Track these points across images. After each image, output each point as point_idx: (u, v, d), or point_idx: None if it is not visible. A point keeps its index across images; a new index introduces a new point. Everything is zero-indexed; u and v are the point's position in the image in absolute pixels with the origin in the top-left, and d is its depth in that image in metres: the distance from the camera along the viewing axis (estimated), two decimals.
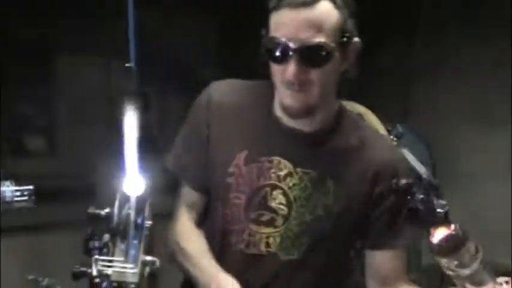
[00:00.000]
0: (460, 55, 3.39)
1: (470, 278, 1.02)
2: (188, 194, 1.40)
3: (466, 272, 1.00)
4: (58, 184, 2.93)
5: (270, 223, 1.29)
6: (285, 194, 1.28)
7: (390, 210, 1.29)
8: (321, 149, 1.29)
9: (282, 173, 1.28)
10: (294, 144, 1.29)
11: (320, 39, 1.14)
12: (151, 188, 0.91)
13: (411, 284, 1.36)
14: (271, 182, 1.28)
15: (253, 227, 1.30)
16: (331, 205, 1.29)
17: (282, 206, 1.28)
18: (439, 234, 1.00)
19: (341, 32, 1.16)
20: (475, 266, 0.99)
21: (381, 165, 1.29)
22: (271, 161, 1.28)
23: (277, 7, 1.14)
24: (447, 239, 0.99)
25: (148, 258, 0.87)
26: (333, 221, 1.29)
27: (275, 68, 1.20)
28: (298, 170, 1.28)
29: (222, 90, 1.36)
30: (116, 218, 0.86)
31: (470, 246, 1.00)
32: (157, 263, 0.89)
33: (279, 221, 1.29)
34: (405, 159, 1.25)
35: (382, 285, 1.35)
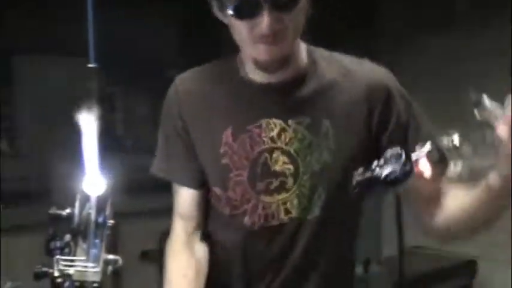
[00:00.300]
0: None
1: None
2: (182, 201, 1.35)
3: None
4: (20, 186, 2.89)
5: (282, 188, 1.22)
6: (284, 152, 1.22)
7: (400, 123, 1.23)
8: (304, 93, 1.23)
9: (274, 133, 1.22)
10: (275, 99, 1.23)
11: None
12: (113, 187, 0.91)
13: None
14: (267, 146, 1.22)
15: (266, 199, 1.23)
16: (335, 147, 1.22)
17: (286, 166, 1.22)
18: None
19: None
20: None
21: (370, 86, 1.24)
22: (259, 126, 1.23)
23: None
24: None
25: (111, 257, 0.87)
26: (342, 162, 1.22)
27: (242, 26, 1.14)
28: (290, 122, 1.22)
29: (187, 80, 1.32)
30: (76, 218, 0.86)
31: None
32: (120, 261, 0.89)
33: (289, 181, 1.22)
34: (392, 76, 1.24)
35: (430, 203, 1.21)
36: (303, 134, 1.22)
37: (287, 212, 1.23)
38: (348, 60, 1.28)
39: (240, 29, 1.15)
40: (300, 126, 1.22)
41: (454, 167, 0.90)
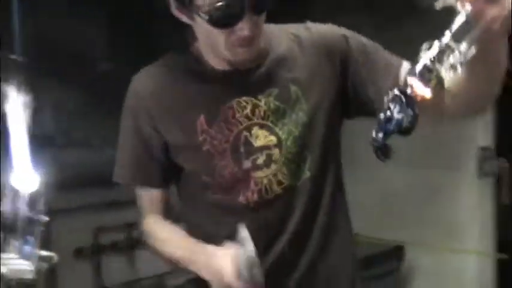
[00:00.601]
0: None
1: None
2: (146, 197, 1.34)
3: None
4: None
5: (269, 160, 1.22)
6: (263, 126, 1.22)
7: (366, 60, 1.25)
8: (267, 68, 1.24)
9: (248, 110, 1.22)
10: (241, 81, 1.24)
11: None
12: (46, 183, 0.90)
13: None
14: (244, 124, 1.22)
15: (256, 174, 1.22)
16: (307, 107, 1.24)
17: (268, 138, 1.22)
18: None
19: None
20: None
21: (327, 41, 1.26)
22: (231, 107, 1.22)
23: None
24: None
25: (45, 253, 0.86)
26: (319, 119, 1.24)
27: (218, 33, 1.13)
28: (260, 97, 1.23)
29: (144, 78, 1.29)
30: (7, 214, 0.84)
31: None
32: (55, 258, 0.88)
33: (275, 152, 1.22)
34: (336, 26, 1.27)
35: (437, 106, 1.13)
36: (275, 105, 1.23)
37: (279, 183, 1.23)
38: (293, 28, 1.30)
39: (215, 35, 1.14)
40: (270, 98, 1.23)
41: (454, 72, 0.86)
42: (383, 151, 0.86)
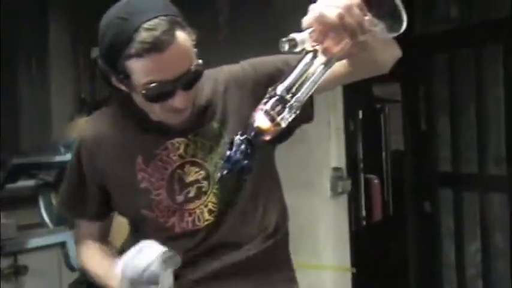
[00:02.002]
0: None
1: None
2: (82, 226, 1.49)
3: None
4: None
5: (200, 192, 1.33)
6: (193, 163, 1.33)
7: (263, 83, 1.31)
8: (195, 112, 1.34)
9: (181, 150, 1.33)
10: (175, 125, 1.32)
11: (194, 62, 1.21)
12: None
13: None
14: (177, 163, 1.33)
15: (189, 206, 1.33)
16: (229, 140, 1.27)
17: (198, 173, 1.33)
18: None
19: (192, 41, 1.23)
20: None
21: (237, 76, 1.38)
22: (166, 148, 1.33)
23: (140, 54, 1.14)
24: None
25: None
26: None
27: (154, 105, 1.23)
28: (190, 136, 1.33)
29: (88, 126, 1.42)
30: None
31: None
32: None
33: (205, 184, 1.33)
34: (229, 66, 1.40)
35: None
36: (202, 142, 1.34)
37: (210, 211, 1.33)
38: (212, 73, 1.40)
39: (150, 104, 1.23)
40: (198, 137, 1.34)
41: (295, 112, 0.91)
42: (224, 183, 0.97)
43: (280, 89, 0.91)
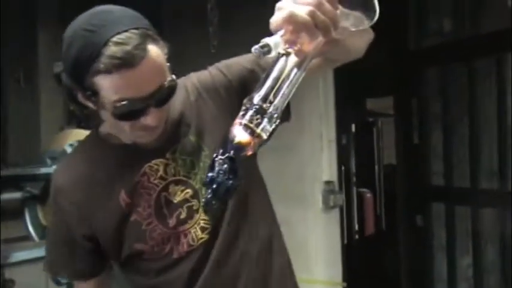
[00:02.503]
0: None
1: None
2: (82, 286, 1.39)
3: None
4: None
5: (191, 212, 1.27)
6: (177, 182, 1.27)
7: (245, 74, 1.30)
8: (168, 128, 1.27)
9: (161, 172, 1.26)
10: (147, 146, 1.26)
11: (167, 78, 1.14)
12: None
13: None
14: (160, 186, 1.26)
15: (182, 228, 1.27)
16: (209, 151, 1.27)
17: (185, 192, 1.27)
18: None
19: (165, 55, 1.15)
20: None
21: (207, 83, 1.31)
22: (144, 173, 1.26)
23: (109, 70, 1.06)
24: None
25: None
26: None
27: (123, 124, 1.15)
28: (167, 155, 1.26)
29: (62, 173, 1.33)
30: None
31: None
32: None
33: (195, 203, 1.27)
34: (196, 73, 1.33)
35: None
36: (182, 159, 1.27)
37: (203, 229, 1.28)
38: (181, 82, 1.31)
39: (121, 125, 1.16)
40: (176, 154, 1.27)
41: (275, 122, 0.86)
42: (209, 206, 0.88)
43: (256, 99, 0.85)
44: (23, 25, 3.20)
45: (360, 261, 4.40)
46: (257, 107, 0.84)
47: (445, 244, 3.48)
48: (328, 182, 3.28)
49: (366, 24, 0.93)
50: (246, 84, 1.29)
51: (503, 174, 3.16)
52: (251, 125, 0.84)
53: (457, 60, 3.35)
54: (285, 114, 1.29)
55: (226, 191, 0.87)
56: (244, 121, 0.84)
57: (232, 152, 0.85)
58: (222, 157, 0.86)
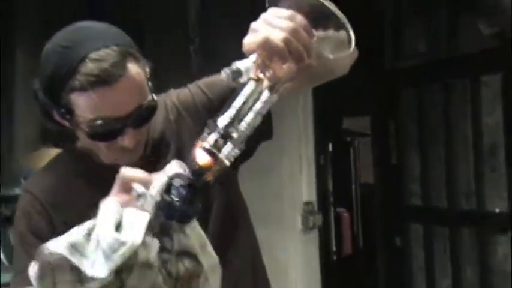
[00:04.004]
0: None
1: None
2: None
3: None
4: None
5: None
6: None
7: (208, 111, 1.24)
8: (149, 148, 1.22)
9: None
10: (127, 165, 1.20)
11: (147, 98, 1.10)
12: None
13: None
14: None
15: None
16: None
17: None
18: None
19: (147, 74, 1.12)
20: None
21: (187, 102, 1.26)
22: None
23: (85, 88, 1.02)
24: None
25: None
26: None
27: (100, 144, 1.11)
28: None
29: (35, 181, 1.25)
30: None
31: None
32: None
33: None
34: (175, 91, 1.28)
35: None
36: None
37: None
38: (160, 99, 1.27)
39: (98, 146, 1.12)
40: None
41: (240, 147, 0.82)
42: (164, 229, 0.84)
43: (221, 122, 0.81)
44: (0, 42, 3.15)
45: (339, 282, 4.38)
46: (221, 131, 0.81)
47: (423, 265, 3.48)
48: (307, 203, 3.26)
49: (343, 52, 0.90)
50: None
51: (480, 194, 3.18)
52: (213, 150, 0.80)
53: (432, 80, 3.39)
54: (267, 132, 1.26)
55: (181, 217, 0.83)
56: (206, 144, 0.80)
57: (191, 176, 0.82)
58: (182, 182, 0.82)
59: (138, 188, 0.88)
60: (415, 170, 3.54)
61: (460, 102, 3.28)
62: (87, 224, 0.85)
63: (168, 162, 1.21)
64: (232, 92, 1.26)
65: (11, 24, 3.23)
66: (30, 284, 1.07)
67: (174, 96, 1.29)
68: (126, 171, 0.94)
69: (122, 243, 0.79)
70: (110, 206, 0.87)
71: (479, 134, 3.18)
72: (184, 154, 1.24)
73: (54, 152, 2.62)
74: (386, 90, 3.59)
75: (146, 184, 0.89)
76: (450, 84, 3.31)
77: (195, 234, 0.89)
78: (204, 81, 1.29)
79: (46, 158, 2.58)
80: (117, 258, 0.79)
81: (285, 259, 3.24)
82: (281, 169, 3.16)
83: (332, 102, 3.89)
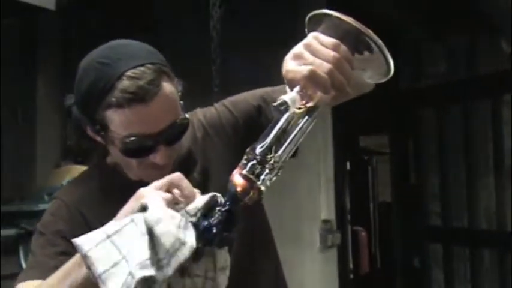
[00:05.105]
0: None
1: None
2: None
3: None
4: None
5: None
6: None
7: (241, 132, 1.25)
8: (176, 166, 1.20)
9: None
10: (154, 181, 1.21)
11: (180, 115, 1.11)
12: None
13: None
14: None
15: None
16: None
17: None
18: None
19: (179, 93, 1.13)
20: None
21: (214, 122, 1.27)
22: None
23: (121, 104, 1.03)
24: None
25: None
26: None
27: (131, 160, 1.11)
28: None
29: (69, 190, 1.26)
30: None
31: None
32: None
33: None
34: (203, 110, 1.28)
35: None
36: None
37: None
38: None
39: (130, 163, 1.12)
40: None
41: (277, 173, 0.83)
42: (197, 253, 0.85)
43: (258, 150, 0.82)
44: (23, 61, 3.20)
45: None
46: (258, 157, 0.82)
47: (443, 286, 3.45)
48: (325, 221, 3.26)
49: (381, 78, 0.91)
50: (253, 121, 1.26)
51: (500, 215, 3.15)
52: (251, 176, 0.81)
53: (452, 101, 3.38)
54: (294, 150, 1.29)
55: (220, 242, 0.84)
56: (244, 171, 0.82)
57: (229, 202, 0.83)
58: (222, 209, 0.83)
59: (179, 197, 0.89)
60: (435, 190, 3.52)
61: (480, 122, 3.27)
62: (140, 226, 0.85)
63: (194, 179, 1.22)
64: (257, 111, 1.28)
65: (34, 46, 3.29)
66: (38, 278, 1.11)
67: (200, 115, 1.31)
68: (179, 175, 0.96)
69: (183, 243, 0.81)
70: (156, 200, 0.88)
71: (499, 154, 3.16)
72: (209, 171, 1.25)
73: (74, 168, 2.66)
74: (404, 110, 3.59)
75: (188, 198, 0.91)
76: (469, 105, 3.30)
77: (222, 258, 0.90)
78: (229, 100, 1.31)
79: (68, 175, 2.63)
80: (181, 257, 0.80)
81: (303, 277, 3.23)
82: (300, 187, 3.16)
83: (349, 120, 3.90)
